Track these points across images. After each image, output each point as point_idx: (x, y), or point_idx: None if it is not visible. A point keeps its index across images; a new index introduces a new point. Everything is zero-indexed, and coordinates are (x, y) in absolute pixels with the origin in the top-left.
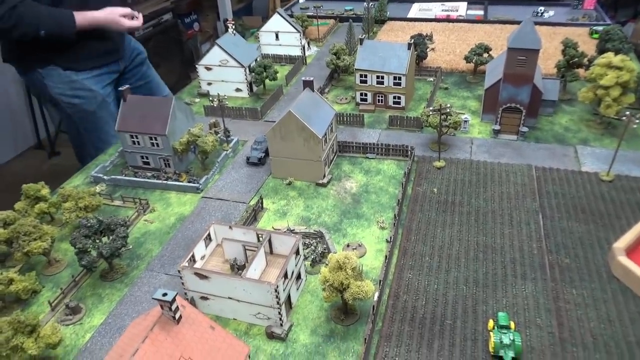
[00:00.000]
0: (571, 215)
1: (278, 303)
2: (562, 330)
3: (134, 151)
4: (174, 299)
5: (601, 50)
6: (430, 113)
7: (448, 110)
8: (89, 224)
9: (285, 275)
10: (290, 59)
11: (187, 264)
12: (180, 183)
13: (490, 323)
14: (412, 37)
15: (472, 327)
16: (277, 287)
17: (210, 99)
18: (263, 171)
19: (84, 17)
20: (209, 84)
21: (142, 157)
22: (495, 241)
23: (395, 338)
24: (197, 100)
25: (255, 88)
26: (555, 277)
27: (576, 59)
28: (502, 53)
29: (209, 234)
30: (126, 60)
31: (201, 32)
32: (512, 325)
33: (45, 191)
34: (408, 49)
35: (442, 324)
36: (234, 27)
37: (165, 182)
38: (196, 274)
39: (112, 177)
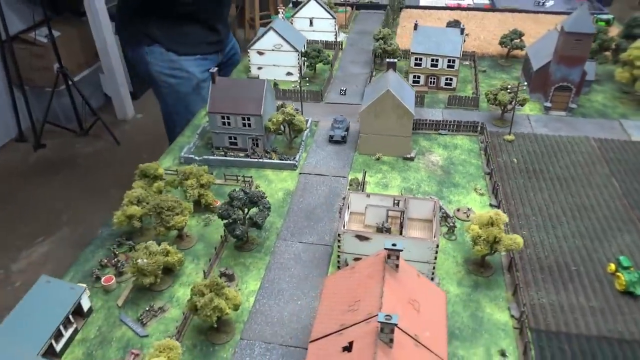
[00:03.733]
0: (637, 177)
1: (435, 258)
2: None
3: (222, 132)
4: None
5: (627, 36)
6: (506, 91)
7: (525, 88)
8: (239, 196)
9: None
10: (326, 44)
11: (344, 229)
12: (276, 161)
13: (612, 266)
14: (448, 23)
15: (594, 271)
16: (438, 243)
17: (277, 84)
18: (347, 148)
19: None
20: (260, 68)
21: (231, 138)
22: (585, 201)
23: (534, 285)
24: None
25: (304, 71)
26: None
27: (606, 43)
28: (541, 38)
29: (348, 202)
30: (224, 56)
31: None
32: (632, 266)
33: (161, 170)
34: (461, 33)
35: (569, 270)
36: (284, 12)
37: (260, 160)
38: (357, 236)
39: (204, 157)
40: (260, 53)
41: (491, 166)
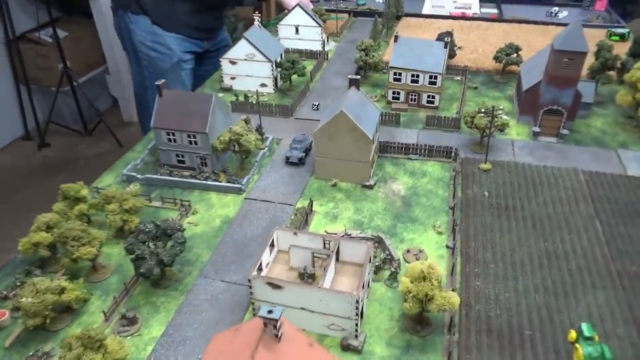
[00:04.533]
0: (627, 221)
1: (357, 314)
2: None
3: (169, 149)
4: (279, 317)
5: (634, 54)
6: (482, 114)
7: (500, 112)
8: (147, 229)
9: (363, 285)
10: (310, 54)
11: (256, 273)
12: (223, 184)
13: (572, 334)
14: (439, 35)
15: (552, 338)
16: (360, 298)
17: (246, 94)
18: (304, 171)
19: None
20: (233, 78)
21: (178, 156)
22: (558, 247)
23: (476, 350)
24: (220, 95)
25: (280, 83)
26: (625, 285)
27: (609, 62)
28: (536, 54)
29: (272, 240)
30: (211, 45)
31: None
32: (596, 336)
33: (85, 192)
34: (445, 47)
35: (522, 335)
36: (259, 20)
37: (204, 182)
38: (269, 283)
39: (147, 175)
40: (233, 62)
41: (454, 200)
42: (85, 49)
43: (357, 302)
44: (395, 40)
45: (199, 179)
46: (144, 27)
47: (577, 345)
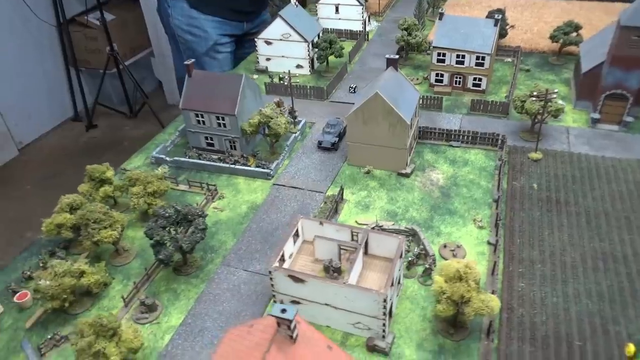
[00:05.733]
0: None
1: (384, 314)
2: None
3: (197, 131)
4: (293, 317)
5: None
6: (534, 98)
7: (555, 96)
8: (166, 214)
9: (392, 282)
10: (350, 34)
11: (278, 264)
12: (250, 168)
13: (630, 348)
14: (490, 13)
15: (605, 351)
16: (387, 296)
17: (281, 75)
18: (337, 157)
19: None
20: (268, 59)
21: (207, 138)
22: (615, 249)
23: (517, 359)
24: (255, 76)
25: (317, 65)
26: None
27: None
28: (599, 33)
29: (297, 230)
30: (252, 26)
31: None
32: None
33: (110, 173)
34: (495, 25)
35: (570, 346)
36: None
37: (233, 165)
38: (291, 276)
39: (175, 158)
40: (268, 43)
41: (499, 192)
42: (131, 32)
43: (385, 300)
44: (440, 18)
45: (227, 163)
46: (181, 10)
47: None
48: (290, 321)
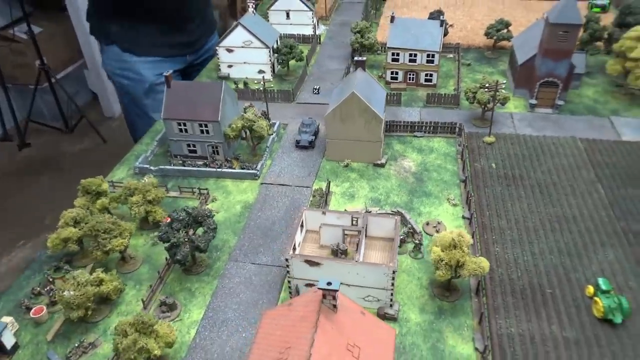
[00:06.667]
0: (627, 184)
1: (392, 285)
2: None
3: (179, 139)
4: (337, 289)
5: (620, 24)
6: (485, 89)
7: (503, 86)
8: (180, 217)
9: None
10: (303, 38)
11: (292, 252)
12: (238, 170)
13: (589, 289)
14: (431, 14)
15: (571, 295)
16: (395, 269)
17: (247, 83)
18: (315, 154)
19: None
20: (230, 66)
21: (189, 146)
22: (566, 212)
23: (504, 310)
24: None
25: (277, 69)
26: (632, 242)
27: (597, 33)
28: (528, 28)
29: (302, 221)
30: (196, 57)
31: None
32: (612, 290)
33: (105, 186)
34: (440, 25)
35: (543, 293)
36: (254, 6)
37: (220, 169)
38: (307, 261)
39: (161, 167)
40: (230, 50)
41: (466, 173)
42: (60, 44)
43: (394, 272)
44: (392, 20)
45: (213, 167)
46: (114, 55)
47: (596, 298)
48: (336, 291)
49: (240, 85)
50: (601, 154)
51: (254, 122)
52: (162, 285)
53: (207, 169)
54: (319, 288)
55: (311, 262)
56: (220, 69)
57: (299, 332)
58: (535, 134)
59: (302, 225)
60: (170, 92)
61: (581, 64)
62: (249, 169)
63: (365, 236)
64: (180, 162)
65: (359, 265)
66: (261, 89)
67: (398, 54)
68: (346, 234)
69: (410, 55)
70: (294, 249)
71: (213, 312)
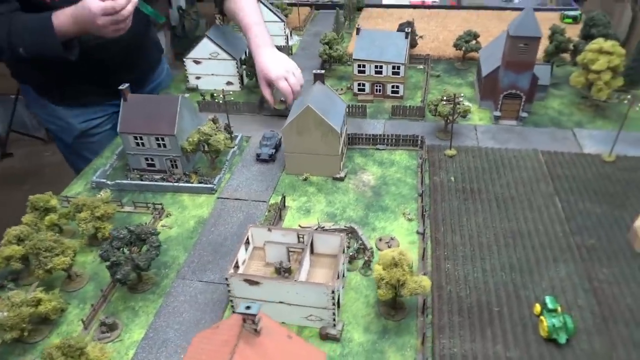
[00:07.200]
0: (585, 197)
1: (333, 304)
2: (602, 309)
3: (137, 153)
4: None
5: (585, 36)
6: (444, 102)
7: (462, 99)
8: (120, 235)
9: (338, 275)
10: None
11: (233, 271)
12: (195, 185)
13: (537, 307)
14: (400, 25)
15: (519, 313)
16: (335, 288)
17: (214, 95)
18: (275, 168)
19: (63, 14)
20: (198, 77)
21: (147, 159)
22: (521, 226)
23: (449, 329)
24: (185, 95)
25: (246, 81)
26: (584, 257)
27: (563, 44)
28: (494, 40)
29: (247, 238)
30: (143, 90)
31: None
32: (559, 308)
33: (54, 202)
34: (405, 37)
35: (491, 312)
36: (221, 17)
37: (176, 184)
38: (246, 280)
39: (117, 181)
40: (197, 62)
41: (422, 187)
42: None
43: (333, 292)
44: (357, 32)
45: (171, 182)
46: (34, 98)
47: (541, 317)
48: (255, 315)
49: (207, 97)
50: (561, 166)
51: (210, 135)
52: (106, 304)
53: (164, 183)
54: (236, 312)
55: (251, 282)
56: (188, 81)
57: (220, 357)
58: (497, 146)
59: (248, 243)
60: (126, 105)
61: (546, 75)
62: (206, 183)
63: (312, 253)
64: (138, 176)
65: (298, 284)
66: (221, 102)
67: (364, 66)
68: (291, 251)
69: (376, 67)
70: (237, 267)
71: (154, 332)
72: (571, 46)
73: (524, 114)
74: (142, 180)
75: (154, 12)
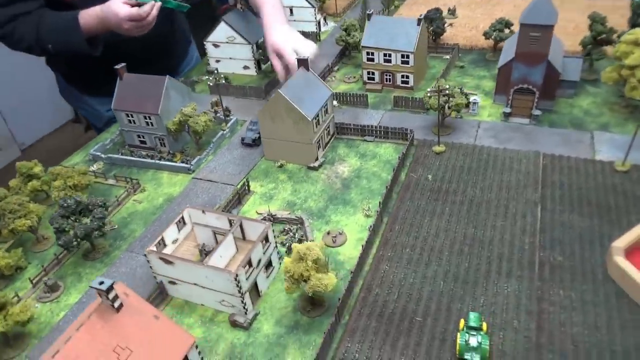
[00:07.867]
0: (574, 208)
1: (240, 292)
2: (540, 335)
3: (130, 130)
4: (110, 287)
5: (633, 25)
6: (429, 94)
7: (448, 92)
8: (65, 204)
9: (250, 264)
10: (304, 35)
11: (154, 248)
12: (173, 163)
13: (462, 323)
14: (428, 12)
15: (442, 326)
16: (238, 275)
17: (211, 77)
18: (257, 153)
19: (88, 15)
20: (217, 61)
21: (139, 136)
22: (485, 234)
23: (360, 333)
24: (204, 77)
25: (263, 66)
26: (544, 275)
27: (604, 35)
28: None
29: (182, 218)
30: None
31: (236, 6)
32: (485, 326)
33: (38, 169)
34: (417, 24)
35: (411, 321)
36: (243, 2)
37: (157, 161)
38: (161, 258)
39: (109, 155)
40: (216, 45)
41: (390, 184)
42: None
43: (237, 279)
44: (369, 18)
45: (154, 159)
46: (63, 85)
47: (458, 334)
48: (106, 291)
49: (221, 80)
50: (561, 172)
51: (190, 117)
52: (59, 268)
53: (148, 160)
54: (90, 287)
55: (165, 260)
56: (209, 64)
57: (70, 331)
58: (496, 145)
59: (185, 223)
60: (122, 84)
61: (576, 70)
62: (187, 163)
63: (244, 240)
64: (130, 151)
65: (206, 268)
66: (211, 84)
67: (373, 54)
68: (218, 235)
69: (385, 55)
70: (164, 244)
71: (87, 298)
72: (615, 37)
73: (537, 112)
74: (132, 155)
75: (178, 4)
